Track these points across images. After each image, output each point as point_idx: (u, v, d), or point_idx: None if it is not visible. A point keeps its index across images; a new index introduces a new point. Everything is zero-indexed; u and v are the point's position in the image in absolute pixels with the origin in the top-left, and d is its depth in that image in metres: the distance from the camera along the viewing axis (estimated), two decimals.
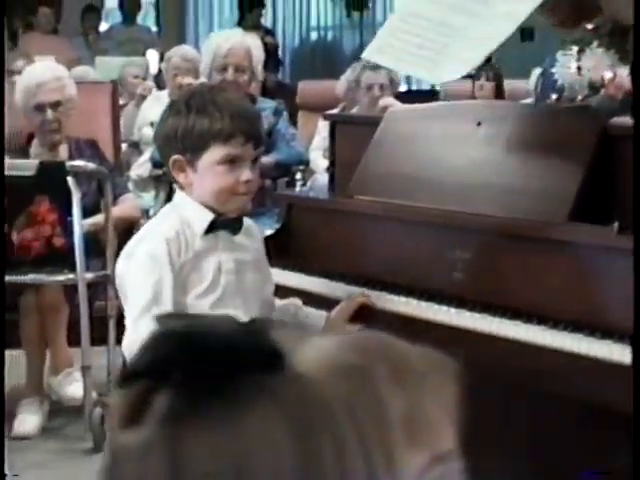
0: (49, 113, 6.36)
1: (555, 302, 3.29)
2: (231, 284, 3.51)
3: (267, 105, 7.04)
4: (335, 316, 3.57)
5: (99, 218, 6.06)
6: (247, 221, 3.63)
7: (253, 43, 7.11)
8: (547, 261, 3.40)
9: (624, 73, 4.80)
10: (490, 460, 3.57)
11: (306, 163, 7.00)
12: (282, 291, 4.03)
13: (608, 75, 4.81)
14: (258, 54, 7.02)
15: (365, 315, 3.49)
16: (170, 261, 3.49)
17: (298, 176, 6.98)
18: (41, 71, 6.67)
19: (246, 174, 3.42)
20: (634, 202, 3.12)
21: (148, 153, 7.14)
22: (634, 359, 2.85)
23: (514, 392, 3.47)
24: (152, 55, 9.94)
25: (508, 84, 8.81)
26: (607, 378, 2.99)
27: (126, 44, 13.52)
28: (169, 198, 6.77)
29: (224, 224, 3.51)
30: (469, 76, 11.01)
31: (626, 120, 3.62)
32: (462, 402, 3.41)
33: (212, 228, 3.50)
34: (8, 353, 6.21)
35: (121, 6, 16.81)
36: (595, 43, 5.44)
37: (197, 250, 3.50)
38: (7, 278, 5.82)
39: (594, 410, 3.19)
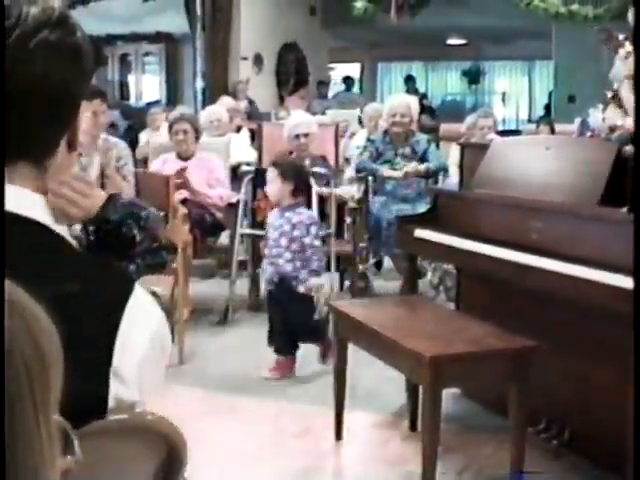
0: (302, 139, 6.41)
1: (589, 251, 3.23)
2: None
3: (422, 137, 7.00)
4: None
5: (326, 190, 6.09)
6: None
7: (412, 100, 7.11)
8: (585, 228, 3.34)
9: (628, 121, 4.67)
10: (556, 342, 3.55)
11: (446, 170, 6.93)
12: (430, 244, 4.03)
13: (619, 122, 4.69)
14: (414, 107, 6.99)
15: None
16: None
17: (439, 178, 6.94)
18: (299, 117, 6.72)
19: None
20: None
21: (354, 164, 7.15)
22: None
23: (557, 301, 3.40)
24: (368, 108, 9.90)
25: (561, 127, 8.70)
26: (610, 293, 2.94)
27: (346, 103, 13.61)
28: (366, 190, 6.81)
29: None
30: (535, 122, 10.99)
31: (630, 149, 3.55)
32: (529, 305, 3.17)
33: None
34: None
35: (344, 81, 17.25)
36: (612, 104, 5.29)
37: None
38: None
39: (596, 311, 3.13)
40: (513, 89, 22.24)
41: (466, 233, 3.82)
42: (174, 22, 13.65)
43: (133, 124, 11.90)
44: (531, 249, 3.42)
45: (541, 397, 3.53)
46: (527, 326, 3.57)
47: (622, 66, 6.08)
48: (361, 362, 3.86)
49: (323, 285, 4.95)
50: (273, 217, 5.05)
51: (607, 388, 3.41)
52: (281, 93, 14.36)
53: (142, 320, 1.41)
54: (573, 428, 3.64)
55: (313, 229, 4.92)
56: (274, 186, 4.96)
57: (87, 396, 1.32)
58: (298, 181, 4.98)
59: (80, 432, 1.24)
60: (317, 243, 4.93)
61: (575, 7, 10.61)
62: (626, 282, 2.89)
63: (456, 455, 3.72)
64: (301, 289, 4.83)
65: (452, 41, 20.04)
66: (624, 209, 3.26)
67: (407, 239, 4.15)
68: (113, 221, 1.64)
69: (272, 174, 4.99)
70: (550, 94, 17.51)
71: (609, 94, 5.81)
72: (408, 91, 17.63)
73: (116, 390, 1.37)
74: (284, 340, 4.86)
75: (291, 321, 4.84)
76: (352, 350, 3.78)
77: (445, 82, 22.72)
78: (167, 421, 1.51)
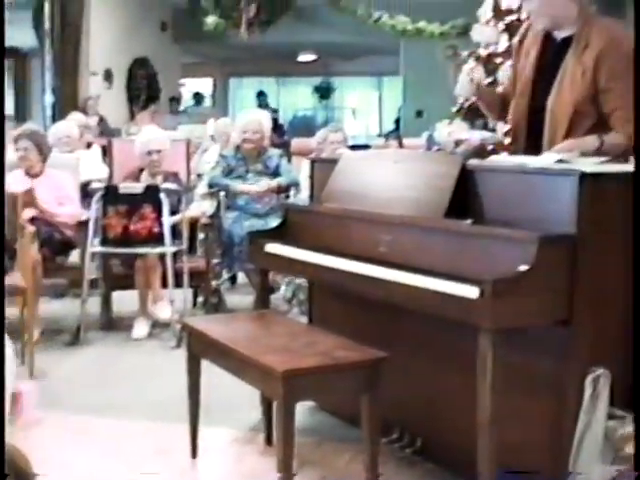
0: (154, 156, 6.37)
1: (436, 262, 3.29)
2: None
3: (274, 152, 7.04)
4: None
5: (178, 217, 6.06)
6: None
7: (264, 117, 7.14)
8: (431, 240, 3.39)
9: (474, 135, 4.79)
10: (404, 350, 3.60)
11: (297, 184, 6.97)
12: (281, 259, 4.04)
13: (464, 136, 4.79)
14: (267, 124, 7.03)
15: None
16: None
17: (291, 193, 6.97)
18: (150, 133, 6.67)
19: None
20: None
21: (206, 180, 7.12)
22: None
23: (407, 311, 3.45)
24: (210, 123, 9.90)
25: (409, 141, 8.86)
26: (456, 303, 3.01)
27: (195, 116, 13.59)
28: (219, 206, 6.80)
29: None
30: (384, 136, 11.18)
31: (474, 162, 3.62)
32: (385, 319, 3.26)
33: None
34: (128, 292, 6.22)
35: (194, 96, 17.26)
36: (457, 119, 5.42)
37: None
38: (127, 250, 5.85)
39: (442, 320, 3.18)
40: (363, 104, 22.60)
41: (316, 247, 3.82)
42: (22, 36, 13.38)
43: None
44: (380, 262, 3.45)
45: (394, 407, 3.58)
46: (379, 338, 3.62)
47: (466, 82, 6.24)
48: (216, 378, 3.84)
49: None
50: None
51: (456, 396, 3.48)
52: (132, 109, 14.24)
53: None
54: (425, 436, 3.71)
55: None
56: None
57: None
58: None
59: None
60: None
61: (422, 24, 10.86)
62: (472, 292, 2.94)
63: (312, 467, 3.73)
64: None
65: (303, 57, 20.22)
66: (468, 221, 3.33)
67: (258, 254, 4.15)
68: None
69: None
70: (399, 109, 17.83)
71: (454, 109, 5.97)
72: (260, 106, 17.78)
73: None
74: None
75: None
76: (206, 366, 3.76)
77: (296, 97, 22.91)
78: (12, 446, 1.48)
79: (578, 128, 3.66)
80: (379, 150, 5.36)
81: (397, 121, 18.58)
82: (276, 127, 11.64)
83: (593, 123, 3.66)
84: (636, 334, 2.77)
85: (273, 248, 4.05)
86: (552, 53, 3.85)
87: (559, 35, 3.83)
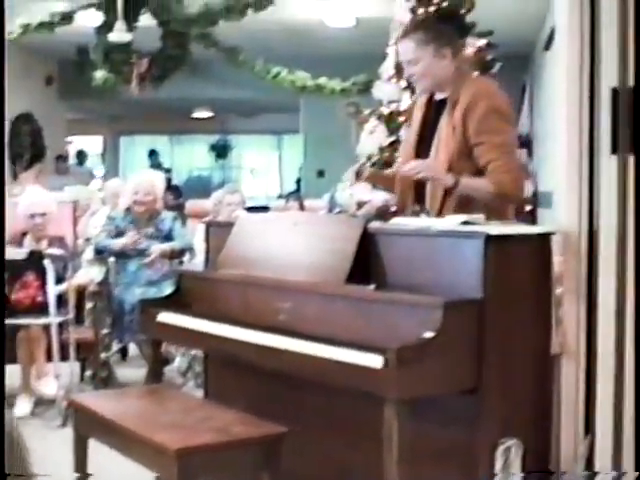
0: (37, 219, 6.31)
1: (338, 330, 3.30)
2: None
3: (168, 215, 7.01)
4: None
5: (65, 286, 5.99)
6: None
7: (156, 178, 7.15)
8: (333, 307, 3.41)
9: (376, 196, 4.85)
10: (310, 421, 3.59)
11: (192, 249, 6.95)
12: (174, 329, 4.00)
13: (367, 198, 4.84)
14: (160, 185, 7.03)
15: None
16: None
17: (185, 258, 6.95)
18: (34, 194, 6.62)
19: None
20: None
21: (93, 245, 7.04)
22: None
23: (309, 383, 3.45)
24: (95, 184, 9.84)
25: (310, 203, 8.91)
26: (359, 373, 3.02)
27: (81, 175, 13.49)
28: (108, 272, 6.73)
29: None
30: (284, 198, 11.21)
31: (376, 225, 3.66)
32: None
33: None
34: (10, 367, 6.09)
35: (78, 156, 17.12)
36: (360, 181, 5.48)
37: None
38: (8, 321, 5.73)
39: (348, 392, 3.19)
40: (262, 164, 22.67)
41: (212, 316, 3.79)
42: None
43: None
44: (279, 330, 3.44)
45: None
46: (280, 411, 3.61)
47: (368, 141, 6.34)
48: (105, 459, 3.78)
49: None
50: None
51: (364, 467, 3.47)
52: (15, 168, 14.05)
53: None
54: None
55: None
56: None
57: None
58: None
59: None
60: None
61: (322, 80, 10.99)
62: (375, 361, 2.95)
63: None
64: None
65: (198, 114, 20.24)
66: (371, 286, 3.36)
67: (150, 323, 4.11)
68: None
69: None
70: (300, 169, 17.95)
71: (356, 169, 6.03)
72: (152, 166, 17.71)
73: None
74: None
75: None
76: (95, 446, 3.70)
77: (191, 156, 22.85)
78: None
79: None
80: (278, 212, 5.39)
81: (298, 181, 18.68)
82: (170, 188, 11.59)
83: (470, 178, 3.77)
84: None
85: (166, 317, 4.02)
86: (432, 116, 3.98)
87: (438, 97, 3.96)
